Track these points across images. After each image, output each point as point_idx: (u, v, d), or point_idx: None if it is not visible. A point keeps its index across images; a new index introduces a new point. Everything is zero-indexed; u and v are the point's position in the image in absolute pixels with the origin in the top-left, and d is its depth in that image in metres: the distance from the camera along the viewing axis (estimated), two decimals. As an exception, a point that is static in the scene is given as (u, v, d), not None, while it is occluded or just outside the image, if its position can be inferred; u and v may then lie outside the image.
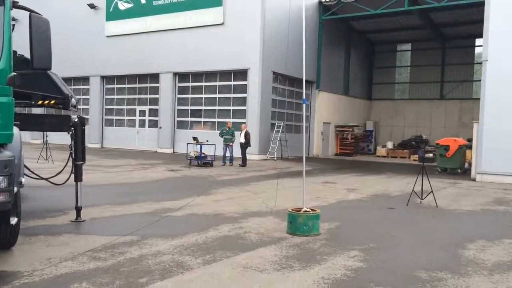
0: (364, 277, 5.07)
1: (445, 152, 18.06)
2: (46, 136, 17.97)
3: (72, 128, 7.50)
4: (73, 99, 11.00)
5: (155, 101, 25.92)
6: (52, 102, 9.77)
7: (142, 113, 26.70)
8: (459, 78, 31.00)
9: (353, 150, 29.18)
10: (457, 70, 31.15)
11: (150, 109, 26.36)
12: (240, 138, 18.45)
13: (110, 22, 26.82)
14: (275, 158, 22.22)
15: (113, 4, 26.76)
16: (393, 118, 33.80)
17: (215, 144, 18.47)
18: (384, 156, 28.55)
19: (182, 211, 8.59)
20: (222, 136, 18.69)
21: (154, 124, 25.98)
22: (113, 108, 27.95)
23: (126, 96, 27.36)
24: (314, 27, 26.02)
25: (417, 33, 30.73)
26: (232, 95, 23.36)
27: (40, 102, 9.76)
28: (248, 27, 22.19)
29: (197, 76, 24.44)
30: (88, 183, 12.17)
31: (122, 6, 26.46)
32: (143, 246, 6.01)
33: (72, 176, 7.74)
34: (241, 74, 22.83)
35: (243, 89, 22.76)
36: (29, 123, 7.39)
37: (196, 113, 24.63)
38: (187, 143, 18.73)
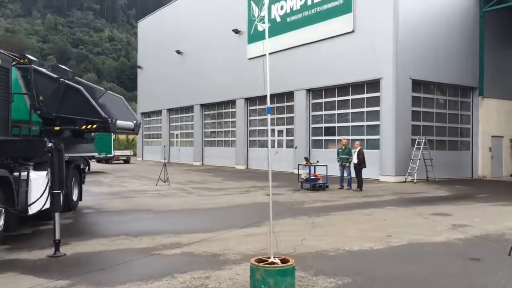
0: None
1: None
2: (165, 159, 18.67)
3: (49, 154, 6.99)
4: (127, 122, 10.86)
5: (291, 120, 25.06)
6: (94, 126, 9.73)
7: (280, 133, 26.12)
8: None
9: (539, 170, 23.02)
10: None
11: (287, 129, 25.60)
12: (353, 158, 16.05)
13: (251, 45, 27.24)
14: (415, 181, 18.81)
15: (253, 27, 27.16)
16: None
17: (326, 165, 16.50)
18: None
19: (185, 248, 7.34)
20: (338, 156, 16.62)
21: (291, 144, 25.07)
22: (256, 129, 28.11)
23: (266, 117, 27.23)
24: (472, 22, 21.67)
25: None
26: (365, 109, 20.88)
27: (83, 127, 9.83)
28: (379, 31, 19.62)
29: (329, 90, 22.72)
30: (158, 207, 11.97)
31: (261, 27, 26.60)
32: (47, 295, 5.03)
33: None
34: (374, 85, 20.24)
35: (377, 102, 20.11)
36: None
37: (329, 131, 22.82)
38: (298, 164, 17.22)
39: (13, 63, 8.18)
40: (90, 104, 9.51)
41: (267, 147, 26.77)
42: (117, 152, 34.57)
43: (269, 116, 5.18)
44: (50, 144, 6.89)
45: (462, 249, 7.38)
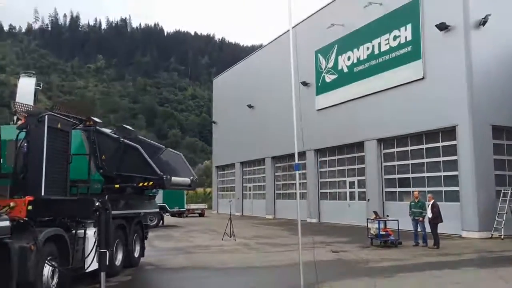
0: None
1: None
2: (230, 213, 18.61)
3: (97, 213, 7.13)
4: (184, 178, 11.02)
5: (362, 172, 24.16)
6: (151, 183, 10.00)
7: (352, 184, 25.21)
8: None
9: None
10: None
11: (358, 180, 24.66)
12: (427, 212, 14.86)
13: (319, 96, 27.21)
14: (502, 237, 16.93)
15: (321, 78, 27.23)
16: None
17: (397, 220, 15.45)
18: None
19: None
20: (410, 209, 15.53)
21: (364, 196, 24.02)
22: (327, 181, 27.42)
23: (336, 168, 26.53)
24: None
25: None
26: (441, 159, 19.54)
27: (140, 184, 10.14)
28: (452, 76, 18.64)
29: (401, 140, 21.71)
30: (217, 265, 11.80)
31: (328, 78, 26.59)
32: None
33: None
34: (449, 133, 19.02)
35: (454, 150, 18.78)
36: (44, 210, 7.27)
37: (403, 182, 21.57)
38: (367, 219, 16.30)
39: (74, 126, 8.70)
40: (147, 162, 9.82)
41: (338, 199, 26.08)
42: (192, 206, 35.34)
43: (297, 173, 4.96)
44: (97, 203, 7.06)
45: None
